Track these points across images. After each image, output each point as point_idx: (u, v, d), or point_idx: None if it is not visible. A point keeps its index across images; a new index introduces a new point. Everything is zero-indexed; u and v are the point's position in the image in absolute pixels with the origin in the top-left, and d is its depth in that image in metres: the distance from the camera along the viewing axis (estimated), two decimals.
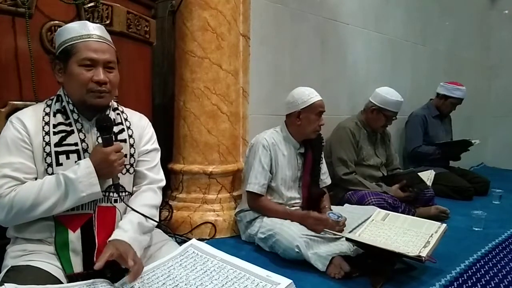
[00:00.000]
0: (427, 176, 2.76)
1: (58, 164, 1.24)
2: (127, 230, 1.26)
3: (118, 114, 1.41)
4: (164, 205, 2.27)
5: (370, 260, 1.79)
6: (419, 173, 2.67)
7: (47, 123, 1.27)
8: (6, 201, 1.16)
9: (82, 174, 1.20)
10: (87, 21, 1.35)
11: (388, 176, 2.82)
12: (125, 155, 1.34)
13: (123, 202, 1.32)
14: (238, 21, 2.40)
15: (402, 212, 2.38)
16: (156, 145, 1.49)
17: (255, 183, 2.10)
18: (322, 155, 2.34)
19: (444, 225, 1.85)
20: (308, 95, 2.17)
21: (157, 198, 1.44)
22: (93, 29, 1.30)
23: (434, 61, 4.44)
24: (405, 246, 1.72)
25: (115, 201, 1.32)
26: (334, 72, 3.24)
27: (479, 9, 5.21)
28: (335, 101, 3.25)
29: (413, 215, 2.40)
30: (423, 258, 1.60)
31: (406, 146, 3.78)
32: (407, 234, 1.83)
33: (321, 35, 3.10)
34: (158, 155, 1.50)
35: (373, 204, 2.37)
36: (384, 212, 2.06)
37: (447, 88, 3.66)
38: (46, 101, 1.33)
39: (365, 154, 2.77)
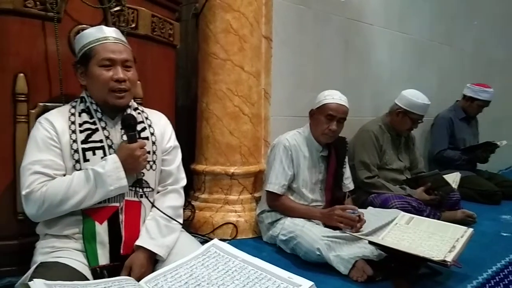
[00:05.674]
0: (453, 178, 2.69)
1: (85, 160, 1.30)
2: (155, 237, 1.34)
3: (139, 113, 1.47)
4: (187, 205, 2.29)
5: (393, 264, 1.75)
6: (444, 176, 2.61)
7: (73, 122, 1.33)
8: (38, 196, 1.22)
9: (110, 169, 1.27)
10: (102, 26, 1.44)
11: (412, 178, 2.77)
12: (148, 152, 1.40)
13: (147, 199, 1.39)
14: (260, 23, 2.41)
15: (427, 216, 2.33)
16: (176, 142, 1.57)
17: (275, 183, 2.10)
18: (346, 159, 2.31)
19: (471, 229, 1.81)
20: (326, 96, 2.13)
21: (181, 199, 1.52)
22: (109, 32, 1.39)
23: (461, 62, 4.33)
24: (430, 251, 1.69)
25: (141, 196, 1.38)
26: (357, 73, 3.21)
27: (508, 7, 5.05)
28: (358, 103, 3.22)
29: (438, 219, 2.35)
30: (449, 263, 1.57)
31: (431, 149, 3.70)
32: (432, 238, 1.79)
33: (344, 36, 3.07)
34: (179, 152, 1.57)
35: (397, 207, 2.33)
36: (408, 215, 2.03)
37: (473, 90, 3.57)
38: (71, 103, 1.41)
39: (387, 158, 2.73)
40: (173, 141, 1.55)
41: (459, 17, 4.27)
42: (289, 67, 2.70)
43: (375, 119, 2.88)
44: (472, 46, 4.48)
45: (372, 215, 2.10)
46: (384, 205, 2.43)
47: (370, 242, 1.78)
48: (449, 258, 1.59)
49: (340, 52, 3.06)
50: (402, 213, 2.06)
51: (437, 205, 2.59)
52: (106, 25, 1.61)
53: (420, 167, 2.93)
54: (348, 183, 2.33)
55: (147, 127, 1.46)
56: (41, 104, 1.53)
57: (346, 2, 3.05)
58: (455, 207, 2.71)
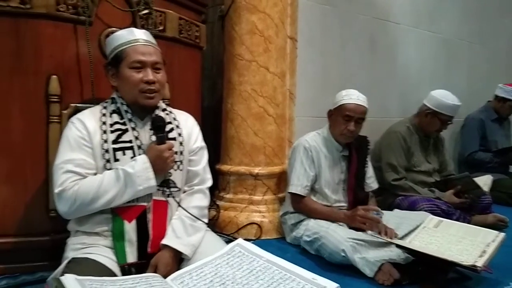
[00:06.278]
0: (484, 181, 2.62)
1: (116, 160, 1.34)
2: (180, 236, 1.36)
3: (167, 114, 1.50)
4: (212, 205, 2.32)
5: (421, 268, 1.72)
6: (475, 178, 2.54)
7: (104, 123, 1.37)
8: (70, 194, 1.26)
9: (139, 169, 1.30)
10: (133, 28, 1.46)
11: (441, 181, 2.70)
12: (176, 152, 1.42)
13: (174, 199, 1.41)
14: (285, 24, 2.41)
15: (457, 220, 2.27)
16: (203, 143, 1.58)
17: (297, 184, 2.09)
18: (368, 159, 2.28)
19: (503, 234, 1.76)
20: (343, 96, 2.10)
21: (207, 199, 1.54)
22: (139, 34, 1.41)
23: (493, 61, 4.19)
24: (459, 255, 1.65)
25: (168, 195, 1.40)
26: (384, 73, 3.17)
27: None
28: (385, 103, 3.17)
29: (468, 223, 2.27)
30: (479, 268, 1.52)
31: (461, 151, 3.60)
32: (461, 243, 1.75)
33: (370, 35, 3.03)
34: (206, 153, 1.58)
35: (425, 210, 2.27)
36: (437, 218, 1.98)
37: (506, 90, 3.47)
38: (102, 104, 1.44)
39: (416, 160, 2.67)
40: (200, 142, 1.56)
41: (490, 15, 4.14)
42: (314, 67, 2.69)
43: (403, 120, 2.83)
44: (504, 45, 4.33)
45: (399, 218, 2.07)
46: (412, 207, 2.38)
47: (397, 245, 1.75)
48: (479, 263, 1.54)
49: (366, 51, 3.03)
50: (431, 216, 2.02)
51: (467, 209, 2.52)
52: (135, 28, 1.65)
53: (450, 170, 2.85)
54: (371, 183, 2.30)
55: (175, 128, 1.48)
56: (73, 105, 1.58)
57: (372, 1, 3.01)
58: (486, 211, 2.62)
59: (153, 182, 1.32)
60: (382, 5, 3.07)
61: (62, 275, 1.06)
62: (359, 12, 2.93)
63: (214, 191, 2.43)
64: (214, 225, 2.26)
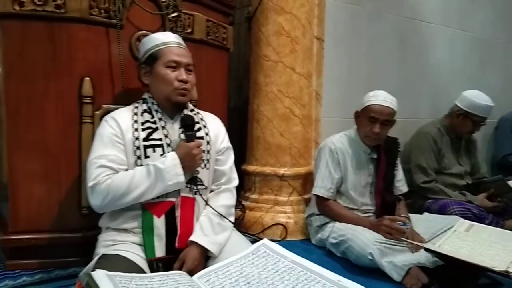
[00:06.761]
0: None
1: (146, 156, 1.39)
2: (208, 234, 1.39)
3: (195, 114, 1.54)
4: (238, 205, 2.33)
5: (450, 272, 1.68)
6: (508, 182, 2.45)
7: (136, 121, 1.43)
8: (103, 188, 1.31)
9: (169, 165, 1.35)
10: (167, 31, 1.55)
11: (473, 184, 2.62)
12: (203, 151, 1.46)
13: (201, 196, 1.46)
14: (312, 24, 2.40)
15: (489, 224, 2.20)
16: (229, 144, 1.63)
17: (321, 186, 2.08)
18: (398, 161, 2.23)
19: None
20: (370, 97, 2.06)
21: (234, 198, 1.58)
22: (173, 38, 1.50)
23: None
24: (491, 260, 1.59)
25: (195, 193, 1.45)
26: (414, 73, 3.10)
27: None
28: (415, 104, 3.11)
29: (501, 227, 2.21)
30: (511, 275, 1.47)
31: (495, 154, 3.48)
32: (493, 248, 1.69)
33: (400, 35, 2.98)
34: (232, 153, 1.63)
35: (456, 214, 2.22)
36: (468, 222, 1.93)
37: None
38: (134, 104, 1.50)
39: (446, 162, 2.60)
40: (226, 142, 1.61)
41: None
42: (341, 67, 2.67)
43: (433, 121, 2.76)
44: None
45: (429, 222, 2.02)
46: (442, 211, 2.32)
47: (427, 249, 1.71)
48: None
49: (395, 51, 2.97)
50: (462, 220, 1.96)
51: (500, 213, 2.44)
52: (164, 30, 1.70)
53: (482, 172, 2.77)
54: (401, 186, 2.24)
55: (202, 128, 1.53)
56: (104, 106, 1.63)
57: (402, 0, 2.95)
58: None
59: (182, 178, 1.36)
60: (411, 4, 3.01)
61: (93, 270, 1.09)
62: (388, 12, 2.88)
63: (239, 191, 2.45)
64: (239, 225, 2.28)
